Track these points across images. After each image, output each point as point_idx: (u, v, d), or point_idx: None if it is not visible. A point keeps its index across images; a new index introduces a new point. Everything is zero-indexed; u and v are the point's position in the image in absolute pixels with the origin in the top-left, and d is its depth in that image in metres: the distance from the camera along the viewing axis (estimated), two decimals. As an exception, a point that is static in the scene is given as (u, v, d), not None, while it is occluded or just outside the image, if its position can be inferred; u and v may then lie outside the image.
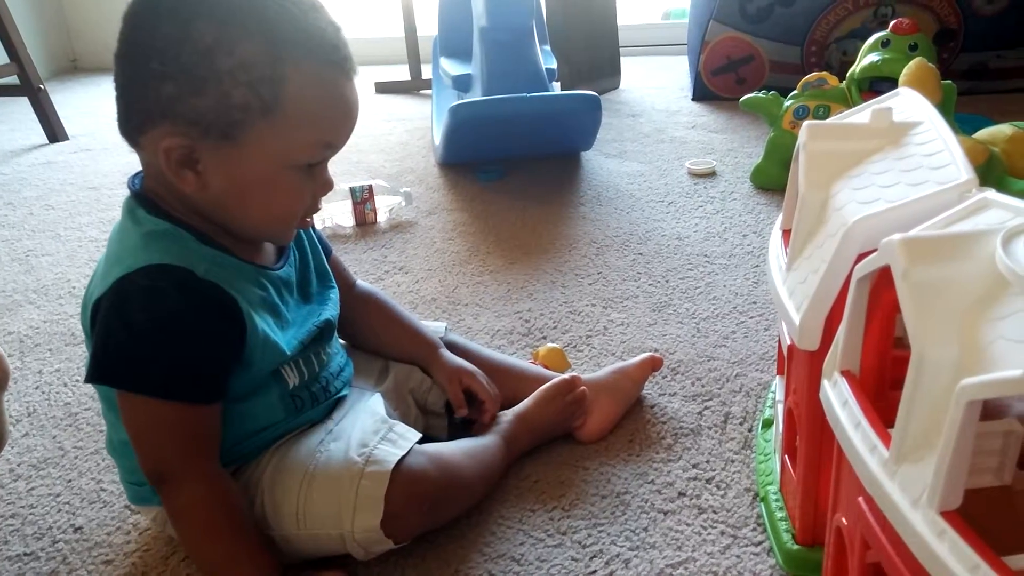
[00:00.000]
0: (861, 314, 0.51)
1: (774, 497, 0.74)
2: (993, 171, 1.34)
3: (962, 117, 1.53)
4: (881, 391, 0.52)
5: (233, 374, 0.66)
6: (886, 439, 0.45)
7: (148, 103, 0.61)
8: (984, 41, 2.10)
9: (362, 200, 1.47)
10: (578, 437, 0.86)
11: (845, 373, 0.52)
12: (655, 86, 2.45)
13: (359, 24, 3.06)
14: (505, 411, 0.85)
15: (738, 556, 0.71)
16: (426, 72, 2.39)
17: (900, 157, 0.62)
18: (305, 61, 0.61)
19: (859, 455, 0.47)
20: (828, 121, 0.73)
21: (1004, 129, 1.41)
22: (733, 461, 0.83)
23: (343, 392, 0.78)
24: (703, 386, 0.95)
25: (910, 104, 0.70)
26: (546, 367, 0.95)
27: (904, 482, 0.42)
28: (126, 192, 0.68)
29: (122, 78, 0.63)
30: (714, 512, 0.76)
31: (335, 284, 0.81)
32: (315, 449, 0.70)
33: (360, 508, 0.66)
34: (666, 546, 0.72)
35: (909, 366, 0.42)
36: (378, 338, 0.87)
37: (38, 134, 2.16)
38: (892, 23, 1.60)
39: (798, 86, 1.60)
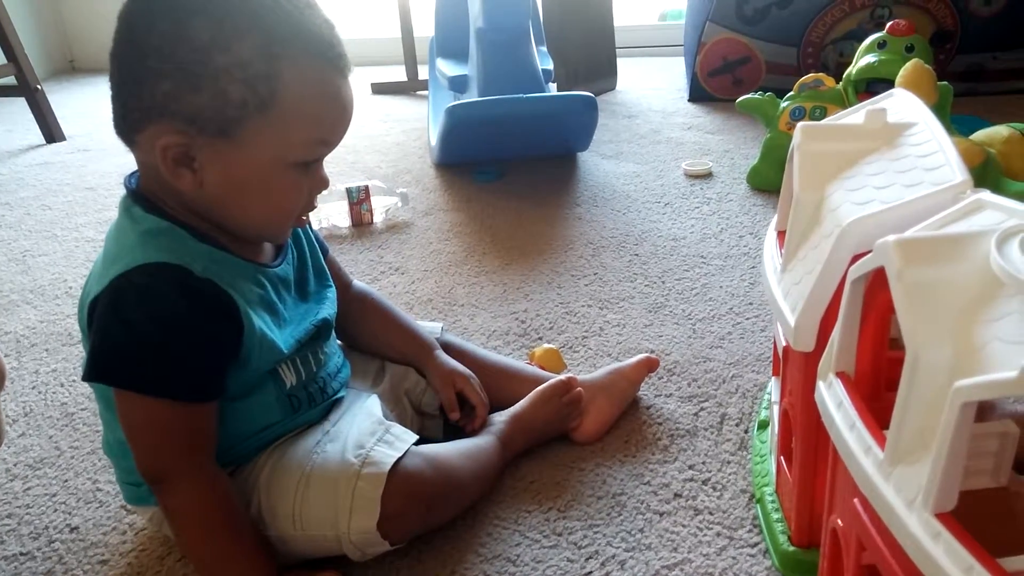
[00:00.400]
0: (856, 315, 0.51)
1: (770, 498, 0.74)
2: (990, 173, 1.34)
3: (959, 119, 1.53)
4: (876, 392, 0.52)
5: (230, 372, 0.66)
6: (881, 440, 0.45)
7: (144, 101, 0.61)
8: (981, 43, 2.11)
9: (358, 200, 1.47)
10: (574, 438, 0.86)
11: (840, 374, 0.52)
12: (651, 87, 2.45)
13: (355, 25, 3.06)
14: (501, 412, 0.85)
15: (734, 557, 0.71)
16: (422, 73, 2.38)
17: (895, 158, 0.62)
18: (301, 58, 0.61)
19: (854, 456, 0.47)
20: (823, 122, 0.73)
21: (1001, 131, 1.41)
22: (729, 462, 0.83)
23: (340, 393, 0.78)
24: (699, 387, 0.96)
25: (904, 105, 0.70)
26: (542, 368, 0.95)
27: (899, 484, 0.42)
28: (123, 192, 0.68)
29: (118, 77, 0.63)
30: (710, 513, 0.76)
31: (332, 283, 0.81)
32: (312, 450, 0.70)
33: (356, 509, 0.66)
34: (662, 547, 0.72)
35: (904, 367, 0.42)
36: (374, 339, 0.87)
37: (35, 134, 2.16)
38: (889, 24, 1.60)
39: (794, 87, 1.60)
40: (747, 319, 1.10)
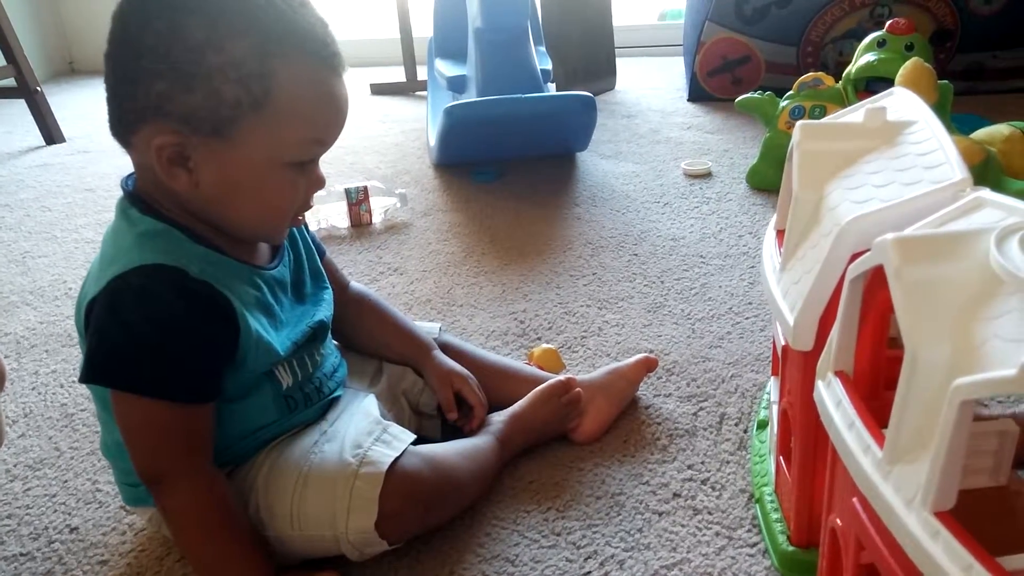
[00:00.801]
0: (855, 314, 0.51)
1: (769, 498, 0.74)
2: (990, 171, 1.34)
3: (959, 117, 1.53)
4: (875, 391, 0.52)
5: (226, 374, 0.66)
6: (880, 439, 0.45)
7: (139, 101, 0.61)
8: (981, 41, 2.11)
9: (357, 201, 1.47)
10: (573, 438, 0.86)
11: (839, 373, 0.52)
12: (651, 87, 2.45)
13: (354, 25, 3.06)
14: (500, 411, 0.85)
15: (733, 557, 0.71)
16: (421, 73, 2.39)
17: (894, 156, 0.62)
18: (295, 57, 0.61)
19: (853, 456, 0.46)
20: (822, 121, 0.73)
21: (1001, 129, 1.41)
22: (728, 462, 0.83)
23: (337, 393, 0.78)
24: (698, 387, 0.95)
25: (904, 104, 0.70)
26: (541, 368, 0.95)
27: (898, 483, 0.42)
28: (121, 194, 0.68)
29: (113, 78, 0.63)
30: (709, 513, 0.76)
31: (329, 285, 0.81)
32: (309, 450, 0.70)
33: (354, 509, 0.66)
34: (661, 547, 0.72)
35: (903, 366, 0.42)
36: (371, 339, 0.87)
37: (35, 136, 2.16)
38: (888, 23, 1.60)
39: (794, 87, 1.60)
40: (746, 319, 1.10)
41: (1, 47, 2.04)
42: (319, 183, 0.69)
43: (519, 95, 1.53)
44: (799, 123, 0.68)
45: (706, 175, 1.67)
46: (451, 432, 0.85)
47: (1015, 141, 1.39)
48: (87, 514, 0.80)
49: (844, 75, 1.59)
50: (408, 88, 2.53)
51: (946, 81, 1.42)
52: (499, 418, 0.84)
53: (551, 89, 1.85)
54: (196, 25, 0.59)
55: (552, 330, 1.10)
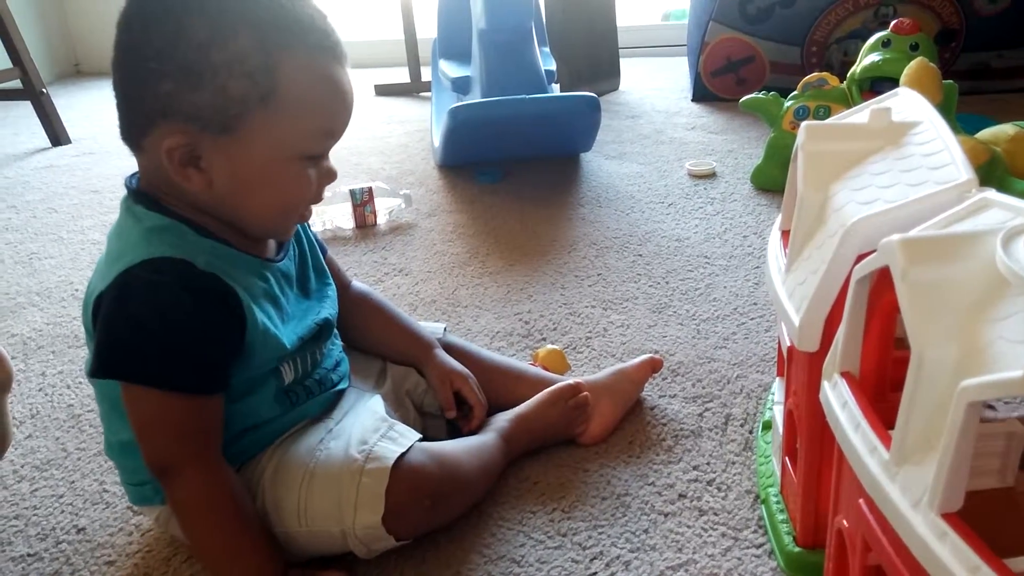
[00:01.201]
0: (861, 315, 0.50)
1: (775, 499, 0.74)
2: (995, 171, 1.34)
3: (964, 117, 1.53)
4: (881, 392, 0.52)
5: (234, 367, 0.66)
6: (886, 441, 0.45)
7: (147, 104, 0.61)
8: (986, 41, 2.10)
9: (362, 202, 1.47)
10: (579, 441, 0.86)
11: (845, 374, 0.52)
12: (655, 87, 2.45)
13: (359, 26, 3.06)
14: (506, 411, 0.85)
15: (739, 558, 0.71)
16: (425, 74, 2.39)
17: (899, 157, 0.62)
18: (298, 48, 0.62)
19: (859, 457, 0.46)
20: (827, 121, 0.73)
21: (1006, 129, 1.41)
22: (734, 463, 0.83)
23: (340, 385, 0.78)
24: (703, 388, 0.95)
25: (909, 104, 0.70)
26: (546, 369, 0.95)
27: (905, 484, 0.42)
28: (125, 192, 0.68)
29: (121, 84, 0.63)
30: (715, 514, 0.76)
31: (332, 282, 0.81)
32: (315, 447, 0.70)
33: (361, 505, 0.66)
34: (666, 548, 0.72)
35: (909, 367, 0.42)
36: (373, 338, 0.87)
37: (41, 138, 2.16)
38: (893, 23, 1.60)
39: (798, 87, 1.59)
40: (751, 319, 1.10)
41: (7, 49, 2.05)
42: (331, 175, 0.69)
43: (523, 96, 1.53)
44: (804, 124, 0.68)
45: (710, 175, 1.67)
46: (456, 433, 0.85)
47: (1020, 141, 1.38)
48: (94, 515, 0.81)
49: (849, 75, 1.59)
50: (412, 89, 2.53)
51: (951, 81, 1.42)
52: (505, 417, 0.84)
53: (555, 90, 1.84)
54: (198, 24, 0.59)
55: (557, 331, 1.10)
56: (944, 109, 1.36)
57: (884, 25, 1.66)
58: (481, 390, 0.86)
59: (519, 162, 1.75)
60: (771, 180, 1.56)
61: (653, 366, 0.92)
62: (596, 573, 0.70)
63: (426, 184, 1.71)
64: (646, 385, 0.94)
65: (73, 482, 0.85)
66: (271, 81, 0.61)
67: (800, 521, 0.68)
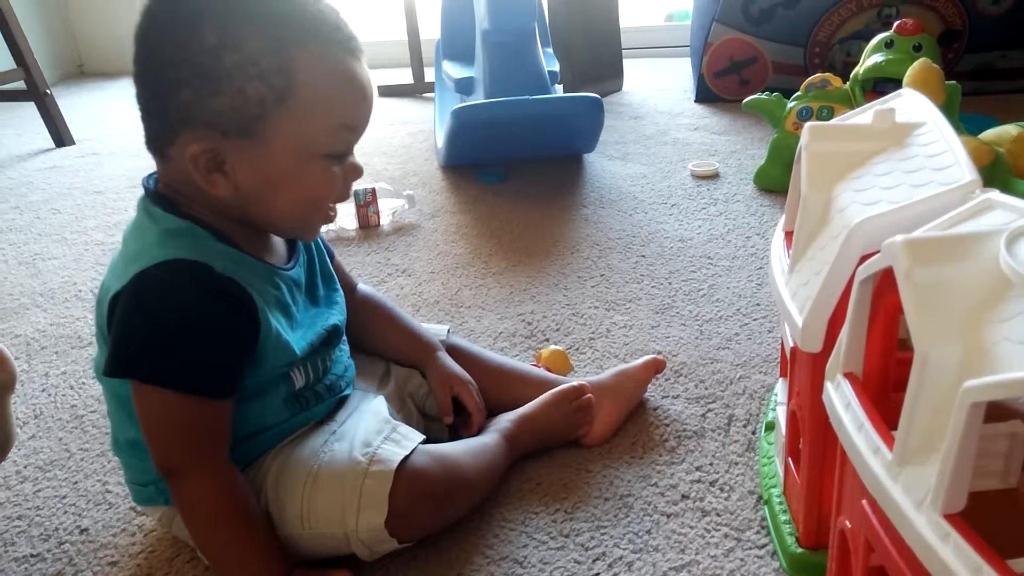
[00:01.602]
0: (864, 316, 0.50)
1: (778, 500, 0.74)
2: (999, 172, 1.33)
3: (967, 118, 1.53)
4: (884, 393, 0.52)
5: (246, 371, 0.66)
6: (890, 441, 0.45)
7: (169, 114, 0.62)
8: (989, 41, 2.10)
9: (365, 203, 1.48)
10: (581, 440, 0.86)
11: (848, 375, 0.52)
12: (658, 88, 2.45)
13: (362, 27, 3.06)
14: (509, 412, 0.85)
15: (742, 559, 0.71)
16: (429, 75, 2.39)
17: (903, 158, 0.62)
18: (311, 45, 0.62)
19: (862, 457, 0.46)
20: (830, 122, 0.73)
21: (1010, 130, 1.41)
22: (736, 464, 0.83)
23: (347, 391, 0.78)
24: (706, 388, 0.95)
25: (913, 104, 0.70)
26: (549, 369, 0.95)
27: (908, 485, 0.42)
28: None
29: (143, 96, 0.64)
30: (717, 515, 0.76)
31: (340, 288, 0.81)
32: (319, 449, 0.70)
33: (364, 507, 0.66)
34: (669, 549, 0.72)
35: (912, 368, 0.42)
36: (377, 340, 0.88)
37: (45, 138, 2.17)
38: (896, 24, 1.60)
39: (801, 87, 1.59)
40: (754, 320, 1.10)
41: (11, 50, 2.06)
42: (356, 171, 0.69)
43: (526, 97, 1.53)
44: (807, 124, 0.68)
45: (713, 176, 1.67)
46: (458, 435, 0.85)
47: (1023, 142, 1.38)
48: (97, 515, 0.81)
49: (852, 76, 1.59)
50: (416, 90, 2.54)
51: (954, 82, 1.42)
52: (508, 418, 0.84)
53: (558, 91, 1.85)
54: (210, 28, 0.60)
55: (560, 331, 1.10)
56: (947, 110, 1.36)
57: (887, 26, 1.65)
58: (481, 397, 0.86)
59: (522, 163, 1.75)
60: (774, 181, 1.56)
61: (656, 367, 0.92)
62: (599, 574, 0.70)
63: (429, 185, 1.72)
64: (649, 386, 0.94)
65: (76, 483, 0.86)
66: (286, 80, 0.61)
67: (803, 522, 0.68)
